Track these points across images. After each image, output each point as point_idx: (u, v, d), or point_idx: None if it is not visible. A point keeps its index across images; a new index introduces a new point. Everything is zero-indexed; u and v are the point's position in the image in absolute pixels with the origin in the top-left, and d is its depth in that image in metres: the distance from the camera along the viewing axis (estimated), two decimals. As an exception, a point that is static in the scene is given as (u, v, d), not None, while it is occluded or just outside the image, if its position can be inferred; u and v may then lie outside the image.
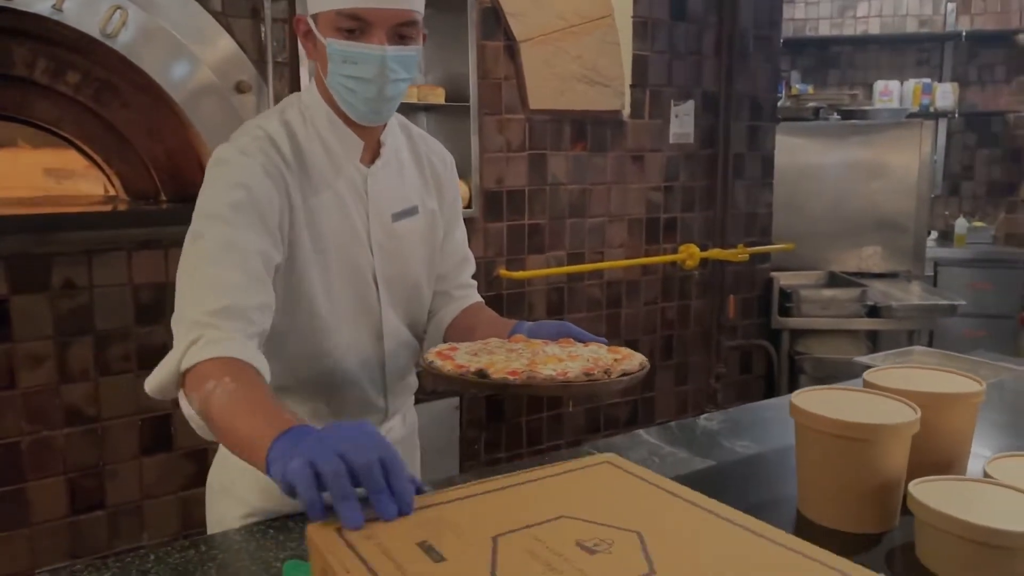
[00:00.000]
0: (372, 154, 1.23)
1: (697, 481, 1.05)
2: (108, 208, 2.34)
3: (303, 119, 1.20)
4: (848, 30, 5.17)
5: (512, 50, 2.84)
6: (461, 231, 1.41)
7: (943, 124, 5.03)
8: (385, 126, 1.24)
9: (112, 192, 2.49)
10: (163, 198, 2.43)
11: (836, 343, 3.58)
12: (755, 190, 3.57)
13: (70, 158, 2.43)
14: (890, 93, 4.88)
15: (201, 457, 2.37)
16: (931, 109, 4.85)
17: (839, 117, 4.05)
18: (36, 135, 2.35)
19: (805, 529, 0.81)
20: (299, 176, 1.16)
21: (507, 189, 2.92)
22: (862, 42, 5.16)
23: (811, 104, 4.08)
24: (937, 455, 1.00)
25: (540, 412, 3.13)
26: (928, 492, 0.87)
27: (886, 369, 1.10)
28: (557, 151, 3.01)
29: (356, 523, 0.74)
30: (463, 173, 2.71)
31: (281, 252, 1.13)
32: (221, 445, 1.31)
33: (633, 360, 1.05)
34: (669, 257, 3.33)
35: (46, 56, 2.19)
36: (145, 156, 2.42)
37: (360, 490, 0.77)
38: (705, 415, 1.57)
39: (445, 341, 1.38)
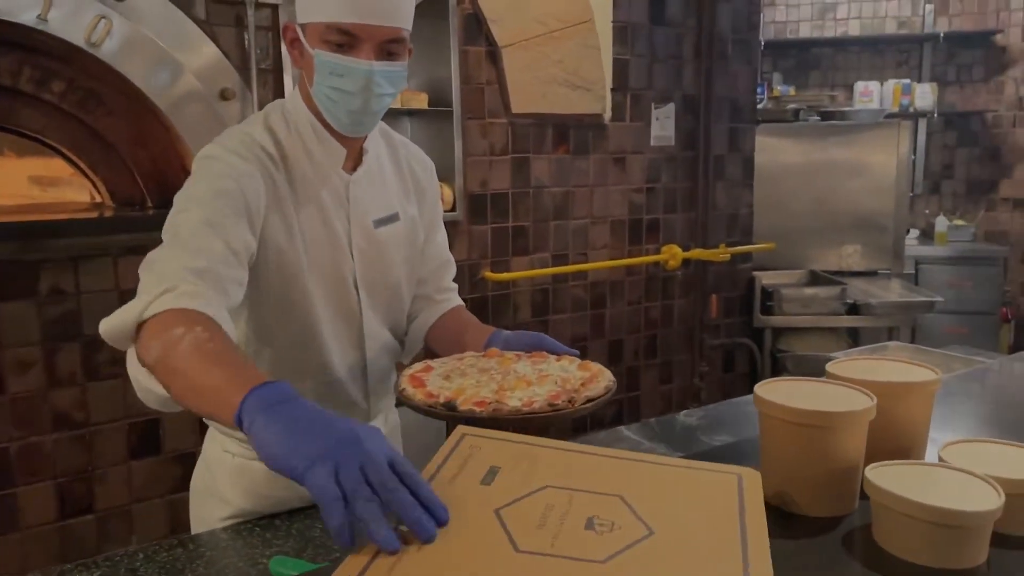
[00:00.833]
0: (354, 161, 1.26)
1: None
2: (94, 215, 2.37)
3: (286, 125, 1.22)
4: (828, 32, 5.24)
5: (494, 55, 2.88)
6: (442, 235, 1.43)
7: (923, 124, 5.10)
8: (367, 134, 1.27)
9: (98, 199, 2.51)
10: (149, 204, 2.46)
11: (817, 340, 3.63)
12: (736, 191, 3.63)
13: (55, 166, 2.45)
14: (870, 94, 4.95)
15: (189, 460, 2.39)
16: (911, 109, 4.92)
17: (819, 118, 4.11)
18: (21, 143, 2.37)
19: (768, 513, 0.85)
20: (285, 179, 1.18)
21: (491, 192, 2.96)
22: (842, 44, 5.23)
23: (791, 105, 4.14)
24: (895, 442, 1.04)
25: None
26: (883, 476, 0.91)
27: (848, 361, 1.14)
28: (540, 154, 3.05)
29: (395, 547, 0.69)
30: (447, 177, 2.75)
31: (255, 250, 1.13)
32: (210, 430, 1.34)
33: (599, 384, 1.08)
34: (652, 258, 3.37)
35: (31, 65, 2.21)
36: (130, 163, 2.44)
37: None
38: (685, 412, 1.60)
39: (426, 344, 1.41)
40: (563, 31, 2.98)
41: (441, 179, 1.74)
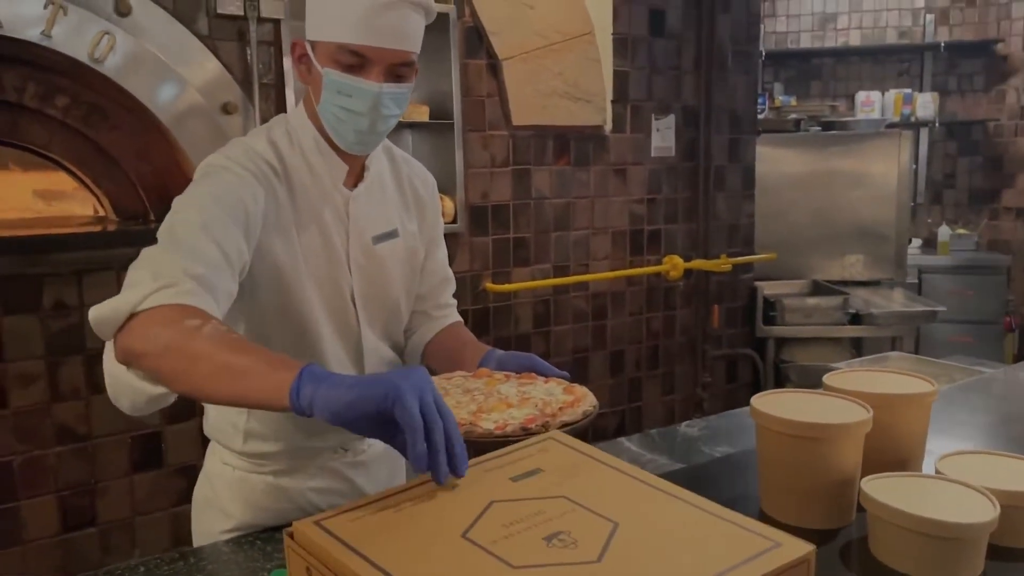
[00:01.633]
0: (356, 177, 1.26)
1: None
2: (98, 229, 2.38)
3: (289, 140, 1.23)
4: (829, 42, 5.26)
5: (495, 68, 2.90)
6: (442, 252, 1.44)
7: (924, 133, 5.11)
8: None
9: (101, 213, 2.52)
10: (152, 218, 2.47)
11: (820, 351, 3.63)
12: (737, 201, 3.63)
13: (59, 180, 2.47)
14: (872, 103, 4.96)
15: (191, 473, 2.39)
16: (912, 119, 4.92)
17: (819, 128, 4.12)
18: (25, 157, 2.38)
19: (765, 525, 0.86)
20: (286, 192, 1.19)
21: (492, 204, 2.97)
22: (843, 54, 5.25)
23: (792, 116, 4.15)
24: (892, 454, 1.04)
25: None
26: (879, 488, 0.91)
27: (845, 372, 1.14)
28: (541, 166, 3.06)
29: (442, 481, 0.80)
30: (448, 189, 2.76)
31: (248, 260, 1.12)
32: (212, 443, 1.34)
33: (577, 409, 1.08)
34: (653, 268, 3.38)
35: (36, 81, 2.24)
36: (133, 177, 2.46)
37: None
38: (687, 423, 1.60)
39: (423, 360, 1.41)
40: (563, 44, 3.00)
41: (442, 191, 1.75)
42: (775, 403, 1.03)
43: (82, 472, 2.27)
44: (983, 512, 0.86)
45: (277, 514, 1.25)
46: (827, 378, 1.12)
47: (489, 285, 2.97)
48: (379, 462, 1.38)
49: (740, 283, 3.69)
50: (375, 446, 1.37)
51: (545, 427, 1.04)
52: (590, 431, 3.54)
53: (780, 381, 3.67)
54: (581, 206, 3.19)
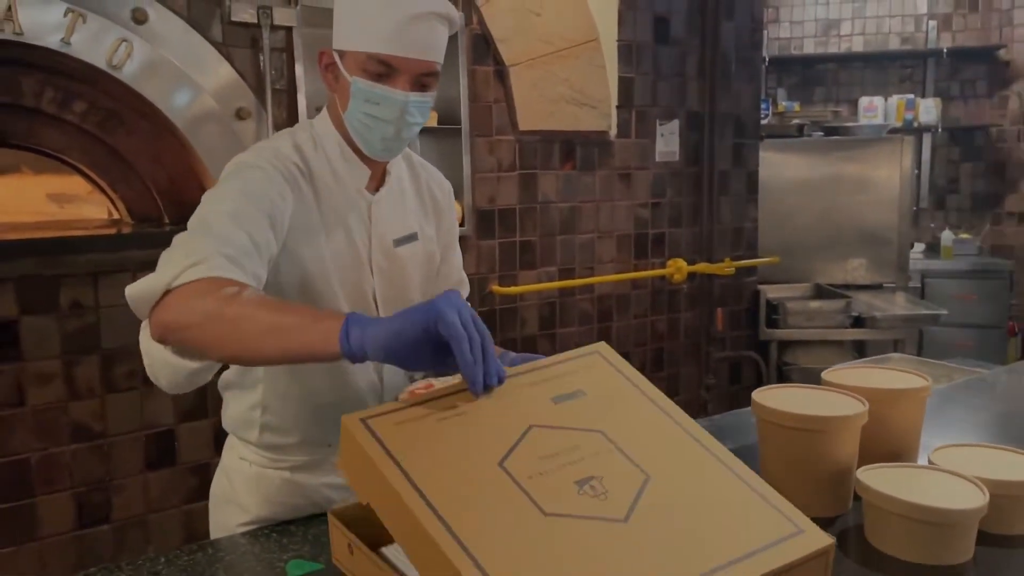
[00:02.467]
0: (377, 182, 1.30)
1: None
2: (113, 231, 2.43)
3: (314, 144, 1.26)
4: (832, 48, 5.30)
5: (502, 74, 2.95)
6: (457, 256, 1.47)
7: (927, 139, 5.14)
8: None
9: (116, 216, 2.57)
10: (166, 221, 2.52)
11: (823, 353, 3.66)
12: (740, 205, 3.67)
13: (73, 183, 2.52)
14: (875, 109, 4.99)
15: (204, 471, 2.44)
16: (915, 124, 4.96)
17: (822, 133, 4.16)
18: (40, 161, 2.42)
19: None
20: (312, 194, 1.23)
21: (499, 208, 3.01)
22: (846, 60, 5.28)
23: (795, 121, 4.19)
24: (888, 446, 1.08)
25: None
26: (874, 477, 0.95)
27: (843, 369, 1.18)
28: (547, 170, 3.11)
29: (479, 392, 0.84)
30: (456, 193, 2.79)
31: (275, 253, 1.15)
32: (230, 435, 1.37)
33: None
34: (658, 271, 3.42)
35: (54, 87, 2.29)
36: (148, 181, 2.51)
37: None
38: (691, 422, 1.63)
39: None
40: (569, 50, 3.04)
41: (450, 195, 1.78)
42: (776, 397, 1.07)
43: (97, 469, 2.31)
44: (973, 499, 0.90)
45: (293, 509, 1.29)
46: (825, 374, 1.16)
47: (495, 287, 3.01)
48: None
49: (743, 286, 3.73)
50: None
51: None
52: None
53: (783, 383, 3.69)
54: (586, 210, 3.23)
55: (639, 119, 3.31)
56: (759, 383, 3.77)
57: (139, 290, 0.98)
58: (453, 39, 2.73)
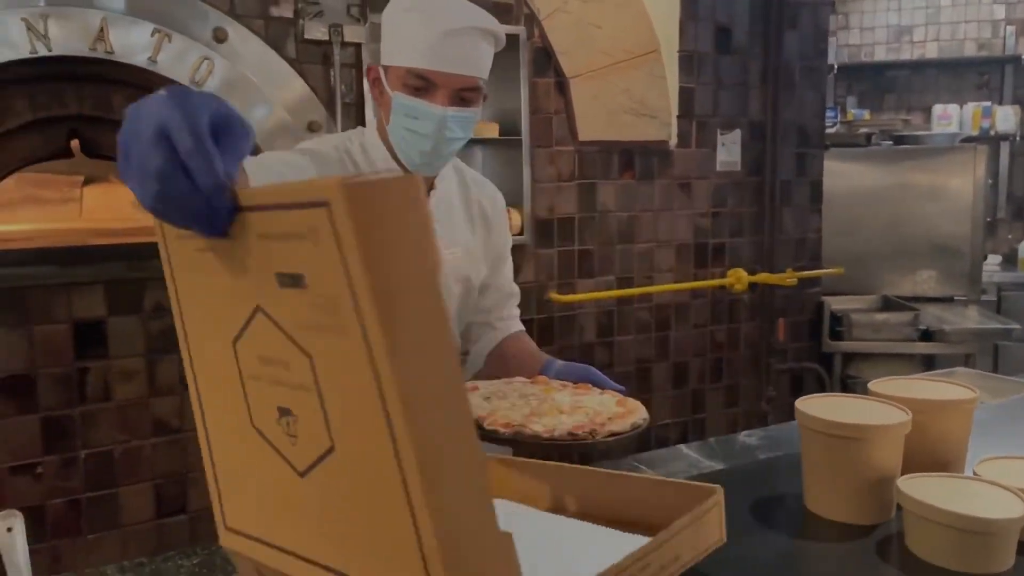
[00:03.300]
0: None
1: (713, 478, 1.16)
2: (193, 238, 2.57)
3: (362, 150, 1.33)
4: (905, 55, 5.18)
5: (562, 86, 3.00)
6: (508, 267, 1.51)
7: (1005, 147, 4.97)
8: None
9: (196, 223, 2.72)
10: (241, 228, 2.65)
11: (890, 367, 3.58)
12: (803, 216, 3.64)
13: (159, 193, 2.67)
14: (949, 117, 4.86)
15: (273, 467, 2.56)
16: (991, 132, 4.81)
17: (891, 142, 4.07)
18: (129, 172, 2.59)
19: (809, 520, 0.92)
20: None
21: (557, 217, 3.06)
22: (919, 66, 5.16)
23: (863, 130, 4.12)
24: (932, 456, 1.09)
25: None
26: (914, 486, 0.96)
27: (890, 380, 1.19)
28: (606, 180, 3.15)
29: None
30: (516, 202, 2.87)
31: None
32: None
33: (627, 420, 1.10)
34: (717, 281, 3.41)
35: (141, 102, 2.44)
36: (226, 190, 2.64)
37: None
38: (746, 432, 1.64)
39: (486, 366, 1.50)
40: (629, 62, 3.08)
41: (510, 204, 1.84)
42: (819, 406, 1.09)
43: (175, 462, 2.45)
44: (1013, 509, 0.90)
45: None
46: (872, 384, 1.17)
47: (554, 295, 3.06)
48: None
49: (806, 297, 3.69)
50: None
51: (592, 434, 1.07)
52: (652, 440, 3.56)
53: (847, 397, 3.63)
54: (645, 219, 3.25)
55: (700, 129, 3.32)
56: (822, 395, 3.71)
57: None
58: (514, 52, 2.83)
